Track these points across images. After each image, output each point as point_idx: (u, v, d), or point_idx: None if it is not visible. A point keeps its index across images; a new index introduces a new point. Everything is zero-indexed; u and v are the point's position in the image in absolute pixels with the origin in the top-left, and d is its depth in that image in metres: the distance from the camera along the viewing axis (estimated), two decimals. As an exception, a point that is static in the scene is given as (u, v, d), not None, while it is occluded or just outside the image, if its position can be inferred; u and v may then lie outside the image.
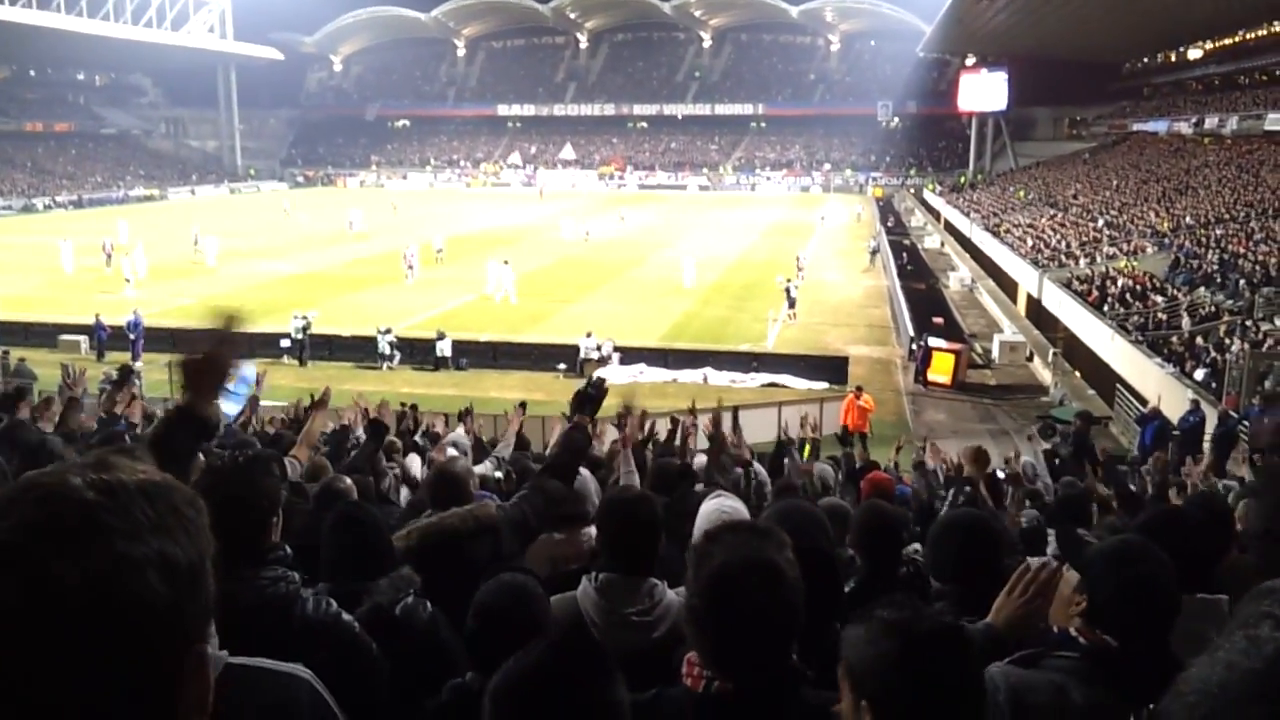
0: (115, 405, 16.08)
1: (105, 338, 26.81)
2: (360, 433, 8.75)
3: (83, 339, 27.45)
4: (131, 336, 26.38)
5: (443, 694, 2.62)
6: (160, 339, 27.20)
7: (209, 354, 2.67)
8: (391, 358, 26.83)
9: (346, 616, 2.71)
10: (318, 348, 27.46)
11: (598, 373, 22.10)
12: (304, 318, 27.23)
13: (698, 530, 3.81)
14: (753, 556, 1.96)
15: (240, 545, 2.61)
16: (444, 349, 26.66)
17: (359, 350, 27.49)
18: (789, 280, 33.47)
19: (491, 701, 1.64)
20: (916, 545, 4.66)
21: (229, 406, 16.17)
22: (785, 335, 30.37)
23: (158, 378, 22.16)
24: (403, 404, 14.65)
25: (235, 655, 1.95)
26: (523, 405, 9.82)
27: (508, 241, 50.92)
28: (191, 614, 0.99)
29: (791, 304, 32.25)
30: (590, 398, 4.87)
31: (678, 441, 9.87)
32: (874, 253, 44.99)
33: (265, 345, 27.40)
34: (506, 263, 35.68)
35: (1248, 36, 59.42)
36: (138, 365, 23.67)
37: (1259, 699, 0.76)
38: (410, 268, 38.40)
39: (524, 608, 2.68)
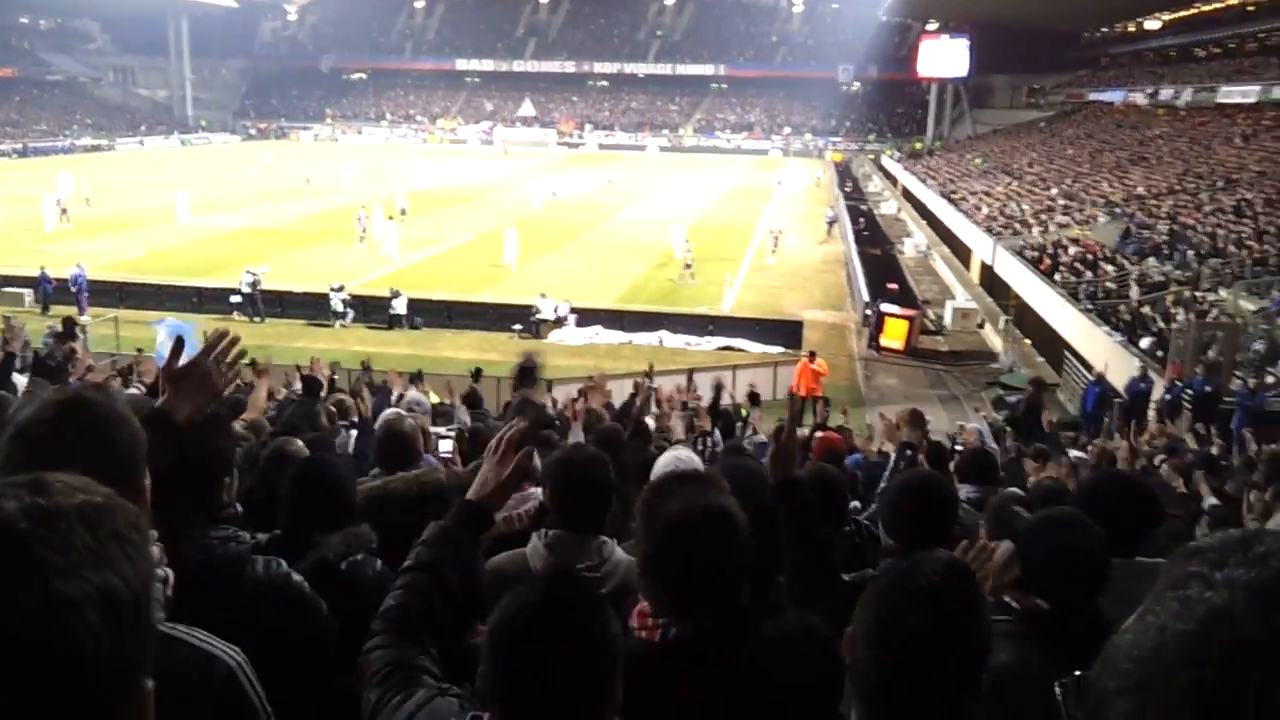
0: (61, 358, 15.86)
1: (50, 291, 26.23)
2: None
3: (27, 292, 26.84)
4: (74, 290, 25.83)
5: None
6: (107, 293, 26.85)
7: (196, 363, 2.48)
8: (344, 315, 26.53)
9: (296, 577, 2.70)
10: (269, 304, 27.08)
11: (552, 337, 21.97)
12: (253, 273, 26.80)
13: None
14: (706, 504, 2.01)
15: (191, 503, 2.59)
16: (399, 307, 26.40)
17: (311, 307, 27.14)
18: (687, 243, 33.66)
19: (491, 640, 1.64)
20: (856, 504, 4.74)
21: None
22: (742, 299, 30.44)
23: (104, 332, 21.81)
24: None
25: (184, 615, 1.95)
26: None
27: (470, 199, 50.55)
28: (134, 650, 0.94)
29: (688, 265, 32.56)
30: (526, 371, 4.97)
31: (638, 404, 9.92)
32: (831, 223, 44.05)
33: (215, 301, 27.06)
34: (390, 218, 36.01)
35: (1204, 9, 59.93)
36: (84, 319, 23.23)
37: (1194, 662, 0.75)
38: (364, 231, 37.06)
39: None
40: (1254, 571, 0.78)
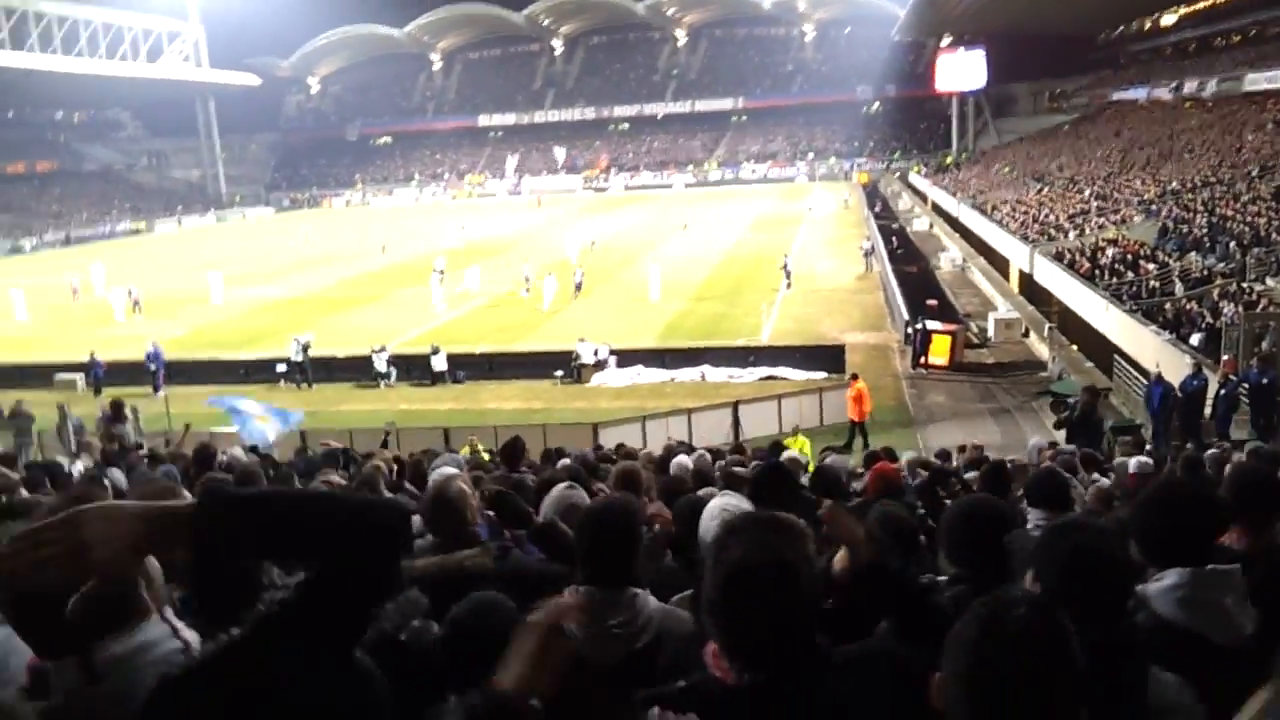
0: (113, 439, 16.13)
1: (101, 375, 26.74)
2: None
3: (79, 377, 27.35)
4: (152, 368, 26.57)
5: None
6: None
7: None
8: (388, 375, 26.74)
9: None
10: (315, 370, 27.37)
11: (594, 380, 21.65)
12: (300, 341, 27.17)
13: (703, 527, 3.82)
14: (768, 555, 1.97)
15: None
16: (439, 364, 26.56)
17: (356, 370, 27.37)
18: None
19: None
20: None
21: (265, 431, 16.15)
22: (781, 327, 30.35)
23: (156, 410, 22.16)
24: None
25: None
26: None
27: (505, 250, 50.99)
28: None
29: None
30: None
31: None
32: (868, 254, 41.32)
33: (261, 371, 27.38)
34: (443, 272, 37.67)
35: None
36: (160, 395, 23.93)
37: None
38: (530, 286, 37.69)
39: (494, 621, 2.62)
40: None
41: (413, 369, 27.20)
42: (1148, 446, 14.46)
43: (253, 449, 13.45)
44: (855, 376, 21.13)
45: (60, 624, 1.65)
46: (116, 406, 16.94)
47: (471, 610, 2.72)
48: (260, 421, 16.54)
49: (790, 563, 1.97)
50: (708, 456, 10.41)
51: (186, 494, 4.20)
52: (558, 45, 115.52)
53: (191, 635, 1.84)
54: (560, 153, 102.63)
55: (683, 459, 9.62)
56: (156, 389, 25.63)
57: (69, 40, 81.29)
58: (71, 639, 1.67)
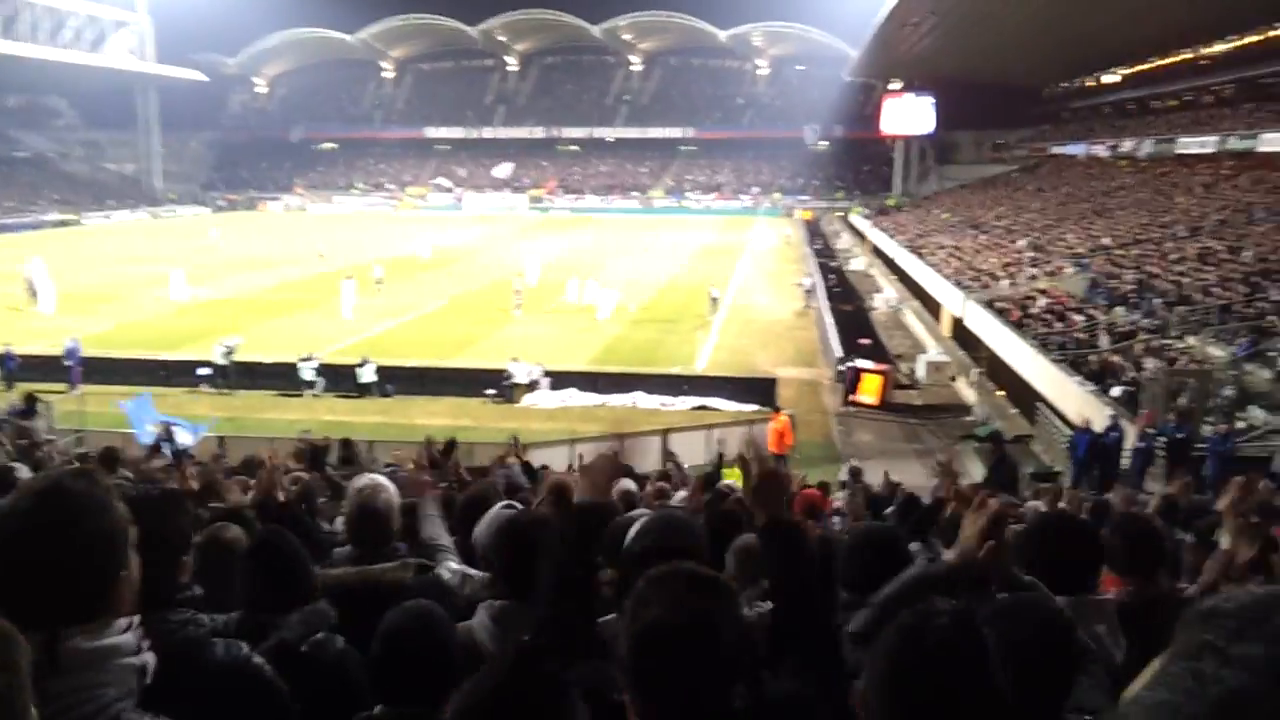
0: (23, 435, 15.62)
1: (14, 367, 25.91)
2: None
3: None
4: (68, 364, 25.75)
5: None
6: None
7: None
8: (314, 385, 26.24)
9: (257, 659, 2.60)
10: (239, 376, 26.76)
11: (525, 401, 21.65)
12: (226, 345, 26.60)
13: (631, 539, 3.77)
14: (685, 614, 1.80)
15: (148, 585, 2.49)
16: (366, 375, 26.09)
17: (281, 378, 26.75)
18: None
19: None
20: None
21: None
22: (716, 358, 30.48)
23: (69, 409, 21.51)
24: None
25: (143, 702, 1.86)
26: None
27: (446, 264, 50.59)
28: None
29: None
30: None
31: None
32: (809, 291, 40.16)
33: (183, 374, 26.73)
34: (350, 278, 37.29)
35: (1160, 63, 61.47)
36: (76, 393, 23.30)
37: None
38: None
39: (429, 633, 2.61)
40: (1274, 649, 0.72)
41: (341, 379, 26.73)
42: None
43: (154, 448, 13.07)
44: (778, 410, 21.34)
45: (37, 595, 1.67)
46: (29, 400, 16.46)
47: (411, 616, 2.68)
48: (151, 428, 16.45)
49: (710, 622, 1.80)
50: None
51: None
52: (512, 62, 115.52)
53: (150, 656, 1.83)
54: (505, 169, 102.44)
55: (626, 481, 9.59)
56: (73, 385, 24.90)
57: (8, 23, 79.35)
58: (44, 614, 1.65)
